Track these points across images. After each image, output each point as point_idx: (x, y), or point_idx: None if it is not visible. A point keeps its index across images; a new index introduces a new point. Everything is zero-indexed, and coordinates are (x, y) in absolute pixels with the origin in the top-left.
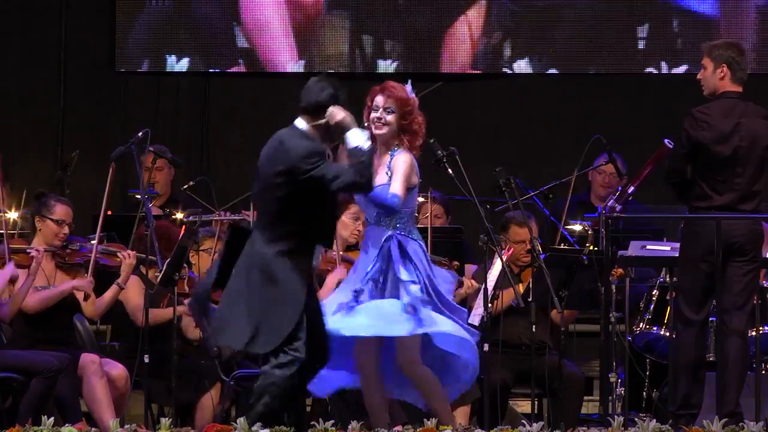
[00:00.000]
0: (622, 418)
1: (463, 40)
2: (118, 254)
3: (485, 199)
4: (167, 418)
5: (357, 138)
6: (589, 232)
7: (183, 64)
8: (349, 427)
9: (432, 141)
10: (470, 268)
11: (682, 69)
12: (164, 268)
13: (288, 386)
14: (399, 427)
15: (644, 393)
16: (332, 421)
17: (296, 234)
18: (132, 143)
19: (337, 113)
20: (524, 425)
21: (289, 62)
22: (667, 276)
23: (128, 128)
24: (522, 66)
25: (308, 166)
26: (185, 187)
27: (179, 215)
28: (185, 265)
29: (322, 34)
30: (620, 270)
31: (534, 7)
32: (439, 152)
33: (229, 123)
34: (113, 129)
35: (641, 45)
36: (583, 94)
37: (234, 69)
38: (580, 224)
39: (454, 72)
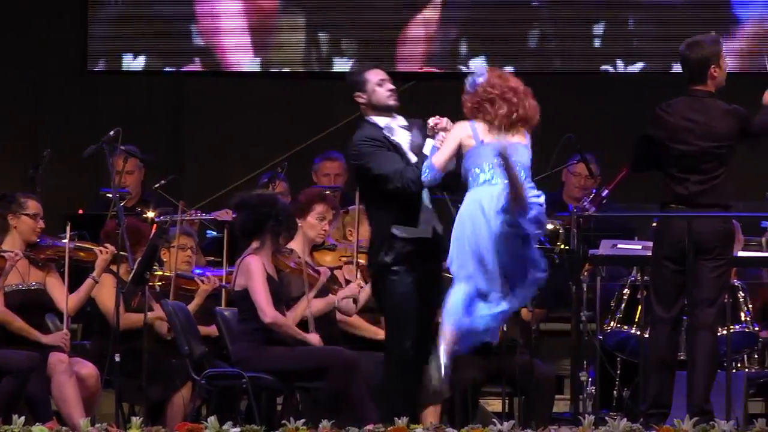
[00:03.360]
0: (593, 417)
1: (419, 38)
2: (95, 249)
3: (458, 198)
4: (138, 417)
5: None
6: (561, 231)
7: (139, 63)
8: (320, 425)
9: None
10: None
11: (637, 67)
12: (135, 266)
13: None
14: (370, 426)
15: (615, 392)
16: (303, 420)
17: None
18: (103, 142)
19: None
20: (495, 424)
21: (245, 60)
22: (638, 275)
23: (100, 127)
24: (478, 64)
25: None
26: (156, 186)
27: (150, 214)
28: (156, 263)
29: (278, 32)
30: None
31: (490, 5)
32: None
33: (202, 122)
34: (85, 128)
35: (597, 43)
36: (556, 92)
37: (189, 67)
38: (551, 223)
39: (410, 70)
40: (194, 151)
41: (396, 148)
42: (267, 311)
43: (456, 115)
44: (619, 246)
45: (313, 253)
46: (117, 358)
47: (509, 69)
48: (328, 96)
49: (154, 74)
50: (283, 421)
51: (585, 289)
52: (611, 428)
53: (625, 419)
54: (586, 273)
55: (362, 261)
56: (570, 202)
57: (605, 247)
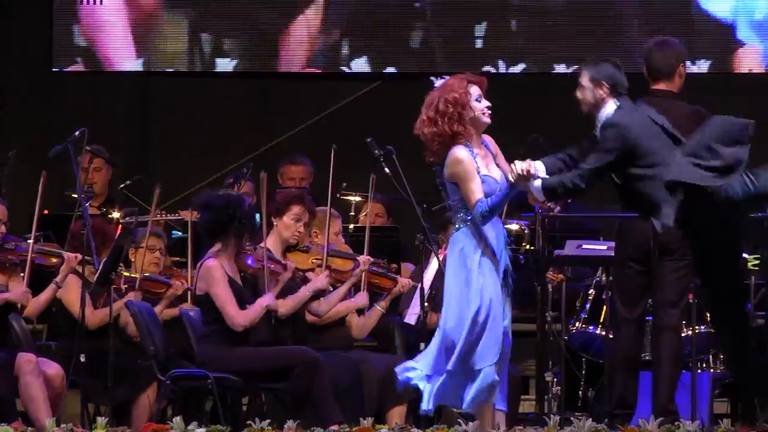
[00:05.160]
0: (558, 418)
1: (301, 39)
2: (63, 254)
3: (423, 198)
4: (103, 418)
5: None
6: (526, 232)
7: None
8: (285, 426)
9: (369, 140)
10: (407, 268)
11: (519, 68)
12: (101, 267)
13: None
14: (335, 426)
15: (580, 392)
16: (268, 420)
17: None
18: (69, 142)
19: None
20: (460, 424)
21: (127, 61)
22: (603, 275)
23: (66, 127)
24: (360, 64)
25: None
26: (122, 186)
27: (116, 214)
28: (122, 264)
29: (161, 32)
30: (560, 276)
31: (373, 6)
32: (377, 151)
33: (169, 121)
34: (51, 128)
35: (479, 44)
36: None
37: (72, 68)
38: (516, 223)
39: (292, 71)
40: (161, 151)
41: None
42: (235, 319)
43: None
44: (584, 246)
45: (287, 254)
46: (82, 359)
47: (391, 69)
48: (298, 96)
49: (118, 74)
50: (248, 422)
51: (550, 289)
52: (576, 429)
53: (590, 420)
54: (555, 281)
55: (333, 264)
56: (534, 203)
57: (570, 248)
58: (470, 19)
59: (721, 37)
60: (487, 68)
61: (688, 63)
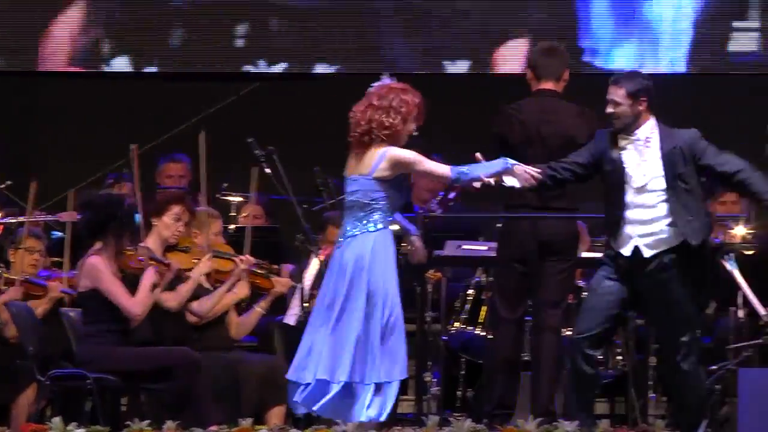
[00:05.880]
0: (437, 418)
1: (62, 37)
2: None
3: (303, 199)
4: None
5: None
6: None
7: None
8: (165, 426)
9: (250, 141)
10: (287, 268)
11: (280, 68)
12: None
13: None
14: (214, 427)
15: (459, 392)
16: (148, 421)
17: None
18: None
19: None
20: (339, 424)
21: None
22: (483, 275)
23: None
24: (120, 63)
25: None
26: (2, 186)
27: None
28: (2, 264)
29: None
30: (438, 274)
31: (133, 4)
32: (257, 152)
33: (50, 122)
34: None
35: (239, 43)
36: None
37: None
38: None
39: (54, 70)
40: (42, 152)
41: None
42: (130, 308)
43: (305, 117)
44: (464, 247)
45: (167, 254)
46: None
47: (151, 69)
48: (176, 97)
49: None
50: (128, 422)
51: (429, 289)
52: (455, 429)
53: (470, 420)
54: (432, 279)
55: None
56: (417, 204)
57: (450, 248)
58: (230, 18)
59: (480, 38)
60: (247, 68)
61: (446, 63)
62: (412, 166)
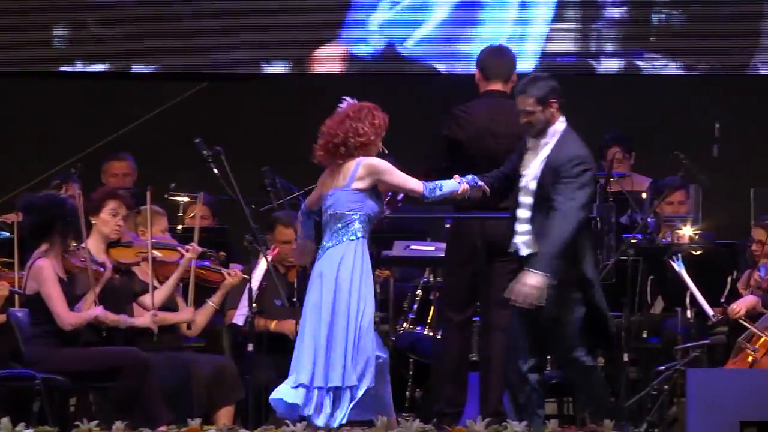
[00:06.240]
0: (386, 419)
1: None
2: None
3: (251, 199)
4: None
5: None
6: None
7: None
8: (114, 426)
9: (198, 141)
10: (235, 268)
11: (99, 68)
12: None
13: None
14: (164, 427)
15: (408, 393)
16: (97, 421)
17: None
18: None
19: None
20: (287, 425)
21: None
22: (431, 276)
23: None
24: None
25: None
26: None
27: None
28: None
29: None
30: (387, 272)
31: None
32: (205, 152)
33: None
34: None
35: (57, 43)
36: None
37: None
38: None
39: None
40: None
41: None
42: (64, 318)
43: (252, 117)
44: (412, 247)
45: (110, 249)
46: None
47: None
48: (123, 97)
49: None
50: (77, 422)
51: (378, 289)
52: (404, 429)
53: (418, 420)
54: (381, 277)
55: (158, 254)
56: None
57: (399, 249)
58: (49, 18)
59: (300, 38)
60: (64, 68)
61: (263, 64)
62: (385, 175)
